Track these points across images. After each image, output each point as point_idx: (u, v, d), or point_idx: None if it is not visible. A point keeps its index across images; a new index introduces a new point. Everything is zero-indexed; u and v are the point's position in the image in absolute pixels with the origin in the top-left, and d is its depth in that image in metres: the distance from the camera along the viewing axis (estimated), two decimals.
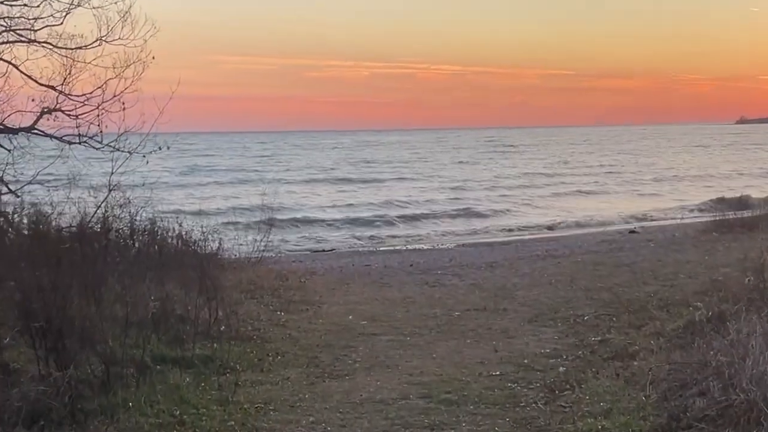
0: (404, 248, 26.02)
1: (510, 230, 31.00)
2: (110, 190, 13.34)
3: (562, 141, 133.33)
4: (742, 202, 30.00)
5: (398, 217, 34.27)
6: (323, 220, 32.83)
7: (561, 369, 8.16)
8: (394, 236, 30.15)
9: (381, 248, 26.42)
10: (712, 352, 6.82)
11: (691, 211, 33.90)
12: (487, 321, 10.67)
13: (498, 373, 8.16)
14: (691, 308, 9.52)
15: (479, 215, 35.09)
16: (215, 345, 8.83)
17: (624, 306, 10.82)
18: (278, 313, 11.26)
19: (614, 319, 10.17)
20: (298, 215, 33.95)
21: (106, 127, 12.71)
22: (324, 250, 25.81)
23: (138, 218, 14.17)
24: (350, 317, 11.16)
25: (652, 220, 31.53)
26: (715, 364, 6.48)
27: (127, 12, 12.16)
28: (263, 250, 16.45)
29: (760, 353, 5.68)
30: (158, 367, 7.90)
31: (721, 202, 32.19)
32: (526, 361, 8.55)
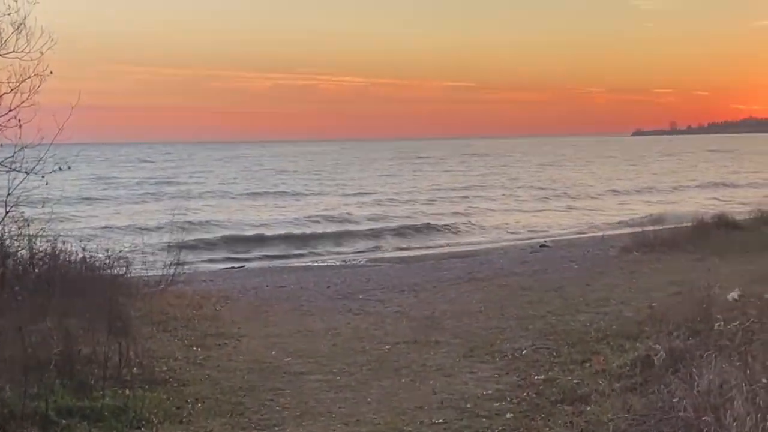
0: (316, 264, 25.44)
1: (424, 247, 30.73)
2: (7, 212, 12.33)
3: (470, 152, 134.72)
4: (655, 218, 30.32)
5: (310, 232, 33.65)
6: (234, 236, 31.92)
7: (508, 415, 7.54)
8: (306, 252, 29.56)
9: (293, 264, 25.80)
10: (675, 400, 6.35)
11: (606, 225, 34.12)
12: (420, 356, 10.01)
13: (441, 420, 7.49)
14: (637, 343, 9.09)
15: (390, 229, 34.67)
16: (128, 392, 7.93)
17: (562, 338, 10.33)
18: (194, 348, 10.37)
19: (554, 353, 9.62)
20: (208, 230, 33.05)
21: (1, 146, 11.79)
22: (234, 267, 25.07)
23: (38, 240, 13.15)
24: (273, 353, 10.37)
25: (563, 236, 31.60)
26: (684, 417, 5.99)
27: (21, 24, 11.25)
28: (174, 273, 15.52)
29: (746, 414, 5.16)
30: (64, 421, 6.99)
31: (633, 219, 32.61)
32: (468, 405, 7.91)
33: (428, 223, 35.87)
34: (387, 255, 27.90)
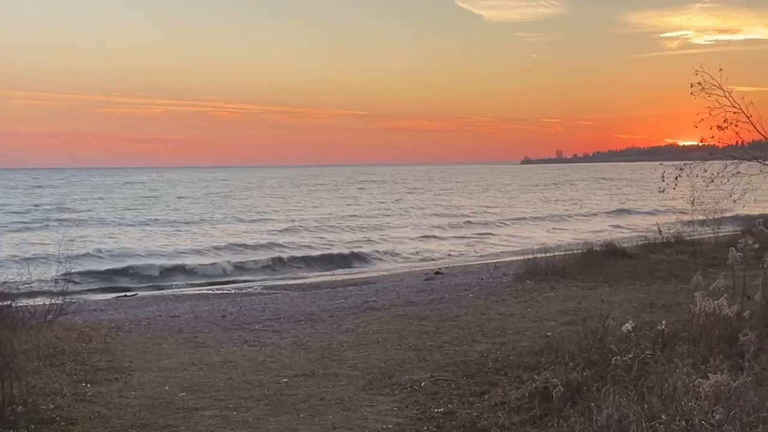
0: (211, 292, 25.03)
1: (321, 273, 30.62)
2: None
3: (367, 179, 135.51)
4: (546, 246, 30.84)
5: (205, 261, 33.12)
6: (127, 265, 31.15)
7: None
8: (202, 281, 29.06)
9: (187, 292, 25.32)
10: None
11: (501, 252, 34.66)
12: (319, 389, 9.86)
13: None
14: (534, 374, 9.15)
15: (289, 257, 34.47)
16: None
17: (460, 369, 10.35)
18: (83, 384, 9.97)
19: (453, 384, 9.60)
20: (100, 258, 32.21)
21: None
22: (126, 296, 24.47)
23: None
24: (166, 388, 10.05)
25: (458, 263, 31.88)
26: None
27: None
28: (62, 303, 14.94)
29: None
30: None
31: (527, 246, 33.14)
32: None
33: (330, 252, 35.79)
34: (283, 282, 27.63)
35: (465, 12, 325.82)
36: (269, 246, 37.44)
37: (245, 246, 37.24)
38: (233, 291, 25.36)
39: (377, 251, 36.32)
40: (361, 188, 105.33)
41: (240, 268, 31.48)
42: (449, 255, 35.34)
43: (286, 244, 38.16)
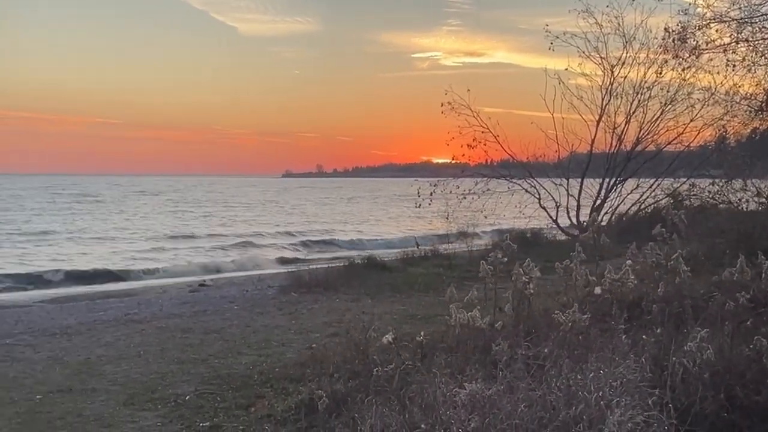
0: None
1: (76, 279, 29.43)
2: None
3: (138, 190, 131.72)
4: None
5: None
6: None
7: None
8: None
9: None
10: None
11: (266, 264, 34.73)
12: (76, 405, 9.47)
13: None
14: (300, 386, 9.28)
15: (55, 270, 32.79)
16: None
17: (225, 382, 10.29)
18: None
19: (219, 398, 9.53)
20: None
21: None
22: None
23: None
24: None
25: (223, 274, 31.59)
26: None
27: None
28: None
29: None
30: None
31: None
32: None
33: (95, 269, 34.34)
34: (36, 293, 26.21)
35: (220, 24, 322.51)
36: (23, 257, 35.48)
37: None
38: None
39: (143, 261, 35.39)
40: (128, 198, 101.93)
41: None
42: (216, 267, 34.92)
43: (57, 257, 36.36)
